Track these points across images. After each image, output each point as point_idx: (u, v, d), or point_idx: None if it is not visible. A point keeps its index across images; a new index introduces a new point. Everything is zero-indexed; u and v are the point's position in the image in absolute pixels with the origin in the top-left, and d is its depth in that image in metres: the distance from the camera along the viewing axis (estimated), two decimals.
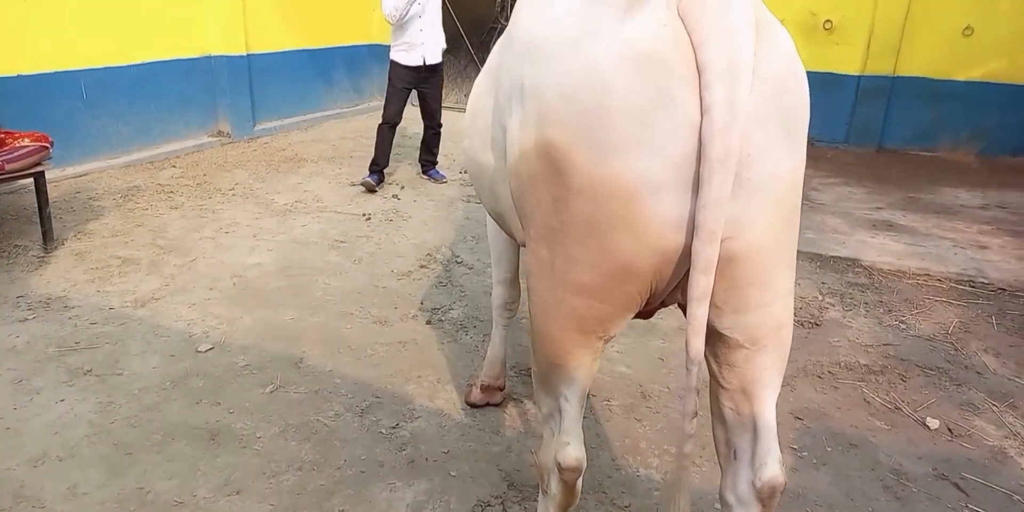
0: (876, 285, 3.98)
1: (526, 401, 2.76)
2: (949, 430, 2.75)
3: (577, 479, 1.56)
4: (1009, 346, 3.39)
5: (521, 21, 1.44)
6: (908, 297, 3.83)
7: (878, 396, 2.93)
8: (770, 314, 1.34)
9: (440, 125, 5.61)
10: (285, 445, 2.44)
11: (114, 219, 4.49)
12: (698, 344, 1.24)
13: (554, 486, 1.58)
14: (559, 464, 1.52)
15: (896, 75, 6.89)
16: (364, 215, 4.75)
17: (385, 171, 5.50)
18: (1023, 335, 3.50)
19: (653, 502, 2.27)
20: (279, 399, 2.70)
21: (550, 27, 1.31)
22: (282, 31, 7.05)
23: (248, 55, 6.58)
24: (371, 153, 5.42)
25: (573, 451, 1.51)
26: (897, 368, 3.15)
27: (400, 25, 5.15)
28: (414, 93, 5.44)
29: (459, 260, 4.07)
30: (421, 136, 5.72)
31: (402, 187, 5.45)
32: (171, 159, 5.93)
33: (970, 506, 2.35)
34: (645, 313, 1.49)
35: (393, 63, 5.34)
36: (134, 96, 5.79)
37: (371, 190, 5.23)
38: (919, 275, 4.06)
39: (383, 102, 5.48)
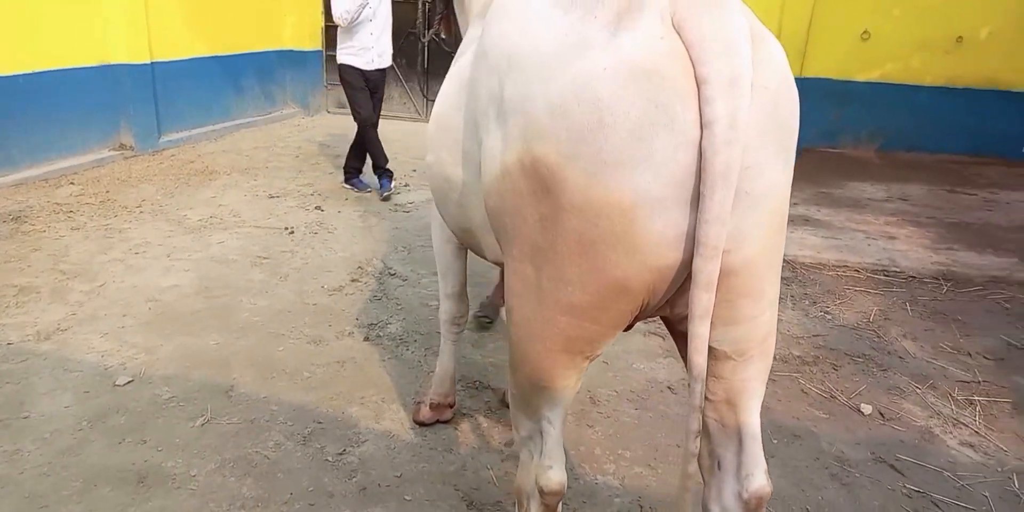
0: (799, 278, 4.12)
1: (476, 415, 2.70)
2: (881, 414, 2.86)
3: (559, 502, 1.51)
4: (924, 330, 3.57)
5: (496, 33, 1.38)
6: (830, 288, 3.99)
7: (814, 386, 3.02)
8: (759, 325, 1.33)
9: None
10: (223, 482, 2.29)
11: (6, 243, 4.13)
12: (701, 362, 1.21)
13: (535, 510, 1.52)
14: (541, 488, 1.47)
15: (802, 77, 7.21)
16: (287, 229, 4.56)
17: (311, 183, 5.32)
18: (935, 320, 3.69)
19: (615, 510, 2.24)
20: (211, 432, 2.53)
21: (532, 40, 1.25)
22: (188, 38, 6.71)
23: (152, 63, 6.23)
24: (287, 163, 5.22)
25: (556, 475, 1.46)
26: (828, 358, 3.25)
27: (349, 29, 5.05)
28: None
29: (392, 272, 3.95)
30: (351, 143, 5.53)
31: (325, 198, 5.27)
32: (68, 175, 5.53)
33: (907, 486, 2.44)
34: (627, 327, 1.46)
35: (344, 66, 5.21)
36: (24, 108, 5.36)
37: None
38: (838, 267, 4.23)
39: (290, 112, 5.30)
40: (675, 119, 1.12)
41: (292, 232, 4.52)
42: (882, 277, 4.16)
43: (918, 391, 3.02)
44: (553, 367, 1.37)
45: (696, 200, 1.14)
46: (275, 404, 2.70)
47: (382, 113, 5.62)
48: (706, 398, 1.46)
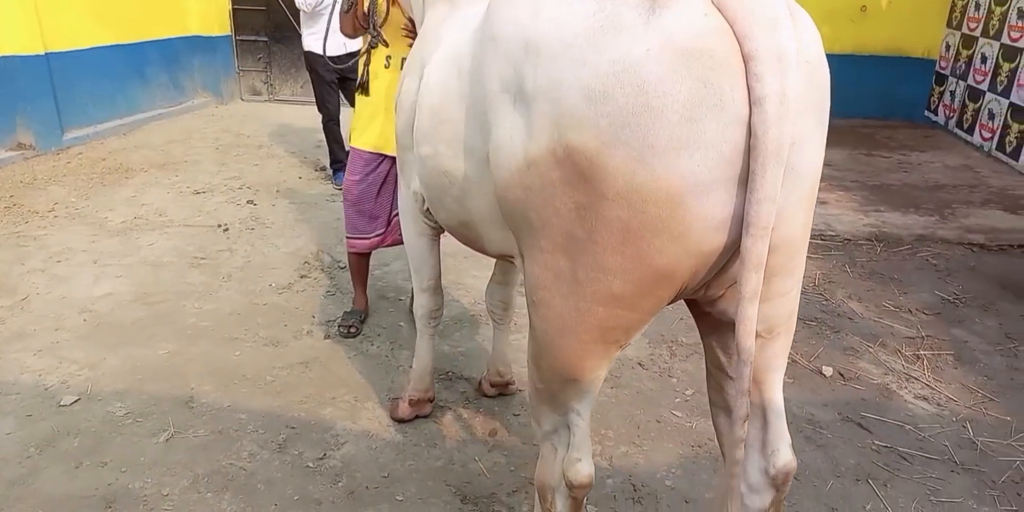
0: None
1: (455, 407, 2.65)
2: (841, 375, 2.98)
3: (586, 495, 1.48)
4: (866, 291, 3.74)
5: (505, 18, 1.29)
6: None
7: None
8: (788, 301, 1.33)
9: None
10: (200, 499, 2.16)
11: None
12: (751, 344, 1.19)
13: (561, 504, 1.50)
14: (571, 482, 1.44)
15: None
16: (220, 226, 4.33)
17: (237, 176, 5.05)
18: (875, 280, 3.87)
19: (609, 491, 2.25)
20: (178, 447, 2.39)
21: (553, 23, 1.18)
22: (86, 26, 6.23)
23: (47, 54, 5.74)
24: (207, 156, 4.94)
25: (585, 468, 1.44)
26: None
27: (314, 12, 4.76)
28: None
29: (341, 265, 3.82)
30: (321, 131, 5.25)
31: (255, 191, 5.03)
32: None
33: (876, 442, 2.55)
34: None
35: (310, 54, 4.88)
36: None
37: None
38: None
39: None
40: (724, 98, 1.08)
41: (227, 229, 4.30)
42: (820, 241, 4.32)
43: (870, 350, 3.16)
44: (586, 358, 1.34)
45: (744, 180, 1.12)
46: (242, 412, 2.57)
47: (302, 98, 5.34)
48: (729, 377, 1.46)
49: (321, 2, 4.76)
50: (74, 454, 2.34)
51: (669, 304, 1.34)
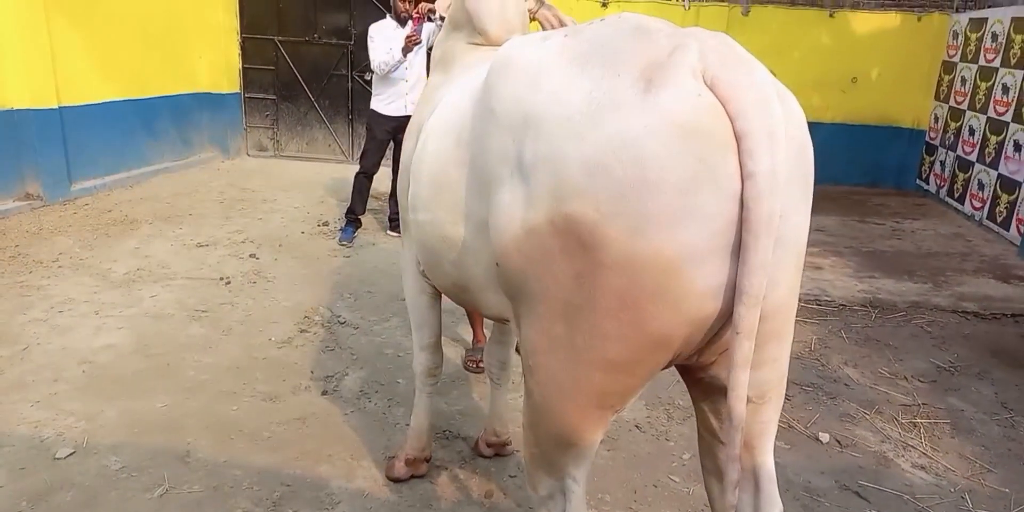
0: None
1: (451, 467, 2.63)
2: (838, 442, 2.97)
3: None
4: (862, 357, 3.77)
5: (505, 93, 1.37)
6: None
7: None
8: (779, 366, 1.37)
9: None
10: None
11: None
12: (743, 409, 1.23)
13: None
14: None
15: None
16: (222, 279, 4.37)
17: (241, 230, 5.13)
18: (870, 346, 3.90)
19: None
20: (172, 502, 2.36)
21: (552, 98, 1.26)
22: (99, 81, 6.42)
23: (60, 108, 5.90)
24: (212, 210, 5.04)
25: None
26: None
27: (387, 76, 5.06)
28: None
29: (342, 320, 3.84)
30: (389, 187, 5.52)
31: (258, 245, 5.10)
32: None
33: (873, 511, 2.54)
34: None
35: (373, 112, 5.21)
36: None
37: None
38: None
39: (207, 152, 5.26)
40: (718, 173, 1.15)
41: (228, 282, 4.34)
42: (815, 306, 4.38)
43: (867, 417, 3.17)
44: (583, 423, 1.37)
45: (736, 250, 1.17)
46: (237, 468, 2.56)
47: (307, 155, 5.51)
48: (721, 442, 1.48)
49: (396, 67, 5.00)
50: (67, 509, 2.32)
51: (663, 369, 1.38)
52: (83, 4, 6.18)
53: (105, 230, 5.29)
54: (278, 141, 8.45)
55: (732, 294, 1.20)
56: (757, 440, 1.42)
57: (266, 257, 4.85)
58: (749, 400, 1.34)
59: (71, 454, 2.60)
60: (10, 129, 5.66)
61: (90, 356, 3.34)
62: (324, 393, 3.10)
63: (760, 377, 1.34)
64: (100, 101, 6.45)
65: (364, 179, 5.32)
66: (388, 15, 5.19)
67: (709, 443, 1.54)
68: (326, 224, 5.66)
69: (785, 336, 1.36)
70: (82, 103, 6.22)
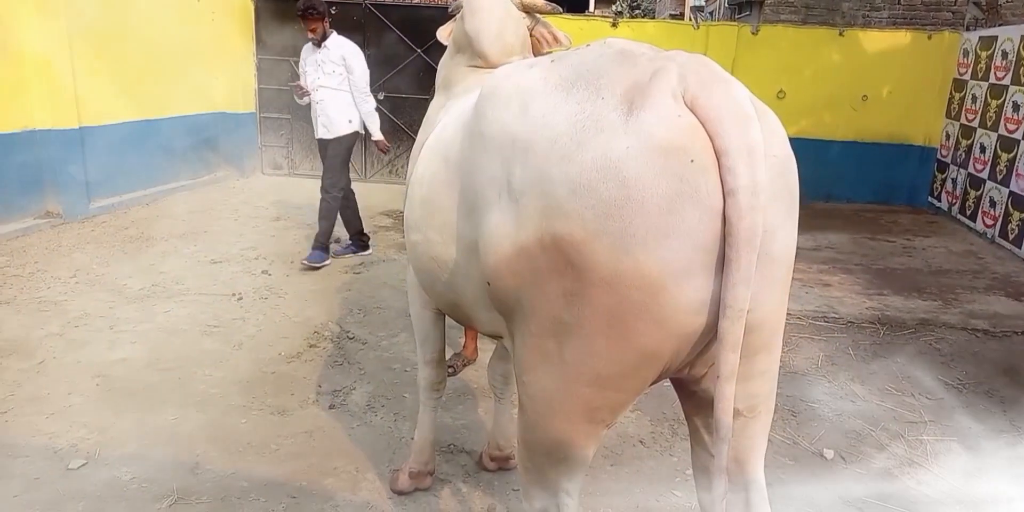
0: None
1: (455, 481, 2.66)
2: (843, 458, 2.97)
3: None
4: (869, 374, 3.76)
5: (493, 118, 1.42)
6: None
7: (777, 433, 3.11)
8: (768, 379, 1.40)
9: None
10: None
11: None
12: (729, 422, 1.25)
13: None
14: None
15: None
16: (234, 295, 4.45)
17: (254, 247, 5.26)
18: (877, 363, 3.90)
19: None
20: None
21: (538, 122, 1.30)
22: (118, 102, 6.58)
23: (80, 128, 6.06)
24: (226, 227, 5.16)
25: None
26: (786, 404, 3.37)
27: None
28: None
29: (351, 336, 3.90)
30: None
31: (271, 262, 5.18)
32: None
33: None
34: None
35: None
36: None
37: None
38: None
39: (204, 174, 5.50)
40: (699, 190, 1.19)
41: (240, 298, 4.41)
42: (823, 323, 4.37)
43: (872, 433, 3.16)
44: (574, 438, 1.40)
45: (720, 265, 1.21)
46: (245, 480, 2.60)
47: (321, 173, 5.59)
48: (712, 456, 1.50)
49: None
50: None
51: (652, 384, 1.41)
52: (104, 28, 6.36)
53: (122, 247, 5.40)
54: (292, 160, 8.58)
55: (717, 309, 1.23)
56: (747, 455, 1.45)
57: (278, 273, 4.92)
58: (739, 414, 1.37)
59: (83, 465, 2.65)
60: (32, 149, 5.81)
61: (104, 370, 3.41)
62: (331, 407, 3.15)
63: (750, 390, 1.37)
64: (119, 121, 6.61)
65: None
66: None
67: (701, 457, 1.56)
68: (337, 241, 5.74)
69: (773, 349, 1.39)
70: (102, 123, 6.37)
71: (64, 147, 5.97)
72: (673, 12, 30.14)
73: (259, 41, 8.24)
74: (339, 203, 5.29)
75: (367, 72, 5.22)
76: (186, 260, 5.15)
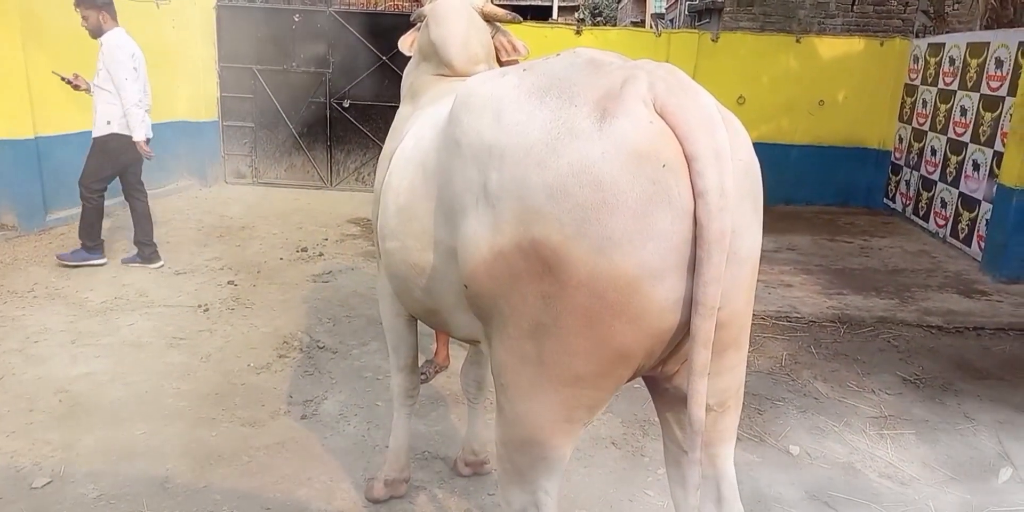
0: None
1: (430, 487, 2.67)
2: (808, 454, 3.05)
3: None
4: (831, 371, 3.86)
5: (468, 126, 1.45)
6: None
7: (744, 431, 3.18)
8: (737, 375, 1.45)
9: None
10: None
11: None
12: (702, 415, 1.30)
13: None
14: None
15: None
16: (200, 306, 4.39)
17: (219, 257, 5.19)
18: (839, 361, 4.00)
19: None
20: None
21: (514, 129, 1.34)
22: (76, 110, 6.43)
23: (36, 138, 5.92)
24: (189, 237, 5.07)
25: None
26: (752, 403, 3.45)
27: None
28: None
29: (320, 345, 3.88)
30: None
31: (236, 272, 5.12)
32: None
33: None
34: None
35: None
36: None
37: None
38: None
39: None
40: (671, 193, 1.23)
41: (207, 310, 4.36)
42: (786, 323, 4.48)
43: (835, 429, 3.25)
44: (552, 437, 1.43)
45: (692, 265, 1.25)
46: (217, 493, 2.57)
47: (286, 181, 5.49)
48: (683, 451, 1.54)
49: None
50: None
51: (627, 381, 1.45)
52: (59, 35, 6.22)
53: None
54: (256, 168, 8.49)
55: (690, 307, 1.28)
56: (718, 448, 1.50)
57: (244, 284, 4.87)
58: (710, 409, 1.42)
59: (48, 483, 2.60)
60: None
61: (66, 385, 3.34)
62: (303, 417, 3.13)
63: (720, 385, 1.43)
64: (78, 131, 6.46)
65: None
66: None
67: (674, 453, 1.61)
68: (304, 250, 5.70)
69: (742, 345, 1.45)
70: (59, 133, 6.23)
71: (18, 158, 5.83)
72: (634, 19, 30.57)
73: (221, 48, 8.15)
74: (93, 204, 5.22)
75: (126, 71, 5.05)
76: (149, 272, 5.07)
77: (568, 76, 1.36)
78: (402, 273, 1.83)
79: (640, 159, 1.23)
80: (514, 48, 2.31)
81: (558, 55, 1.46)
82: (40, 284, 4.71)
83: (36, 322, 4.07)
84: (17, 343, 3.79)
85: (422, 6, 2.36)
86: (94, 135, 5.13)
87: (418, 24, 2.35)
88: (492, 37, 2.30)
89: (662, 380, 1.50)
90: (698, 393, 1.29)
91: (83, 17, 4.96)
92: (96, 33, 5.01)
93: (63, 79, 5.07)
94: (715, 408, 1.44)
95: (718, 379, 1.40)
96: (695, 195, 1.23)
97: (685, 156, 1.24)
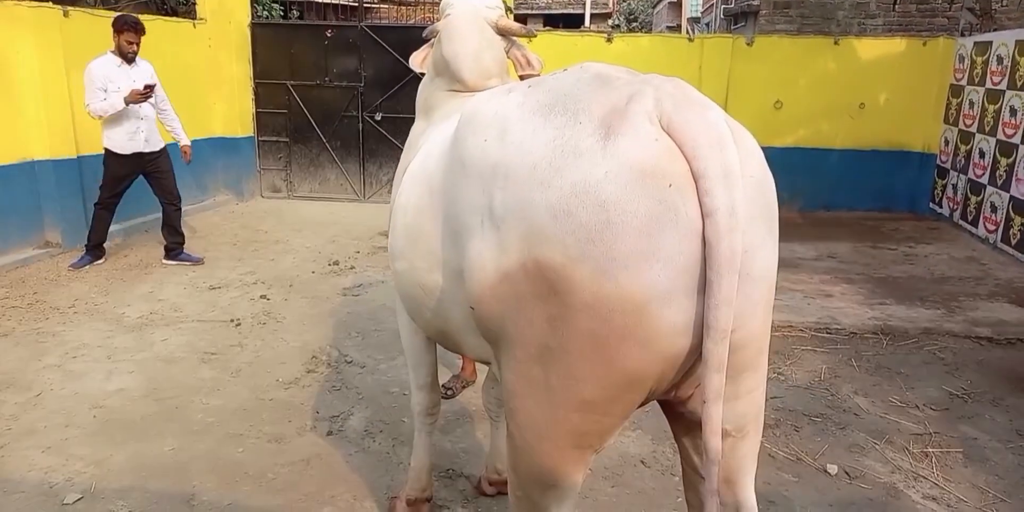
0: None
1: (453, 506, 2.63)
2: (847, 474, 2.92)
3: None
4: (872, 386, 3.71)
5: (472, 144, 1.42)
6: (778, 349, 4.11)
7: (780, 449, 3.08)
8: (755, 399, 1.39)
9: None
10: None
11: None
12: (717, 443, 1.25)
13: None
14: None
15: None
16: (232, 321, 4.44)
17: (252, 271, 5.34)
18: (881, 374, 3.85)
19: None
20: None
21: (518, 148, 1.30)
22: None
23: (79, 157, 6.10)
24: (224, 252, 5.27)
25: None
26: (788, 419, 3.33)
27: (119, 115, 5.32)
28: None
29: (349, 360, 3.88)
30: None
31: (269, 286, 5.18)
32: None
33: None
34: None
35: (109, 152, 5.47)
36: None
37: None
38: (783, 327, 4.38)
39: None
40: (679, 213, 1.18)
41: (239, 324, 4.40)
42: (825, 335, 4.34)
43: (876, 447, 3.12)
44: (563, 464, 1.38)
45: (702, 286, 1.20)
46: (242, 510, 2.57)
47: (320, 194, 5.72)
48: (702, 477, 1.48)
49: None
50: None
51: (640, 406, 1.39)
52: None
53: (120, 275, 5.41)
54: (291, 182, 8.61)
55: (701, 330, 1.22)
56: (737, 475, 1.43)
57: (276, 298, 4.91)
58: (728, 434, 1.36)
59: (79, 499, 2.63)
60: (31, 180, 5.85)
61: (101, 401, 3.39)
62: (329, 433, 3.12)
63: (738, 410, 1.36)
64: None
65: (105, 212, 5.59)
66: (110, 52, 5.30)
67: (692, 479, 1.55)
68: (336, 263, 5.74)
69: (759, 368, 1.38)
70: (101, 153, 6.40)
71: (62, 177, 6.00)
72: (670, 24, 30.38)
73: (256, 65, 8.30)
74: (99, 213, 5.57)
75: None
76: (184, 287, 5.15)
77: (573, 92, 1.32)
78: (412, 293, 1.81)
79: (645, 178, 1.19)
80: (528, 62, 2.28)
81: (565, 70, 1.43)
82: (80, 300, 4.82)
83: (75, 338, 4.16)
84: (57, 359, 3.88)
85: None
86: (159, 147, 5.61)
87: (431, 40, 2.34)
88: (507, 51, 2.27)
89: (676, 404, 1.44)
90: (713, 420, 1.23)
91: (136, 43, 5.26)
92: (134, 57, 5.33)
93: (143, 95, 5.29)
94: (733, 434, 1.38)
95: (735, 404, 1.34)
96: (703, 215, 1.18)
97: (692, 174, 1.19)
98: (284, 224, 7.23)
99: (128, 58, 5.29)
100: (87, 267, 5.52)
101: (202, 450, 2.98)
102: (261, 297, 4.91)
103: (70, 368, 3.75)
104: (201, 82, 7.73)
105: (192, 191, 7.74)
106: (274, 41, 8.23)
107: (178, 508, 2.59)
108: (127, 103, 5.20)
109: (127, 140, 5.39)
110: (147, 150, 5.52)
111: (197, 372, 3.73)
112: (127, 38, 5.22)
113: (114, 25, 5.27)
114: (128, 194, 6.72)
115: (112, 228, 6.47)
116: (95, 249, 5.63)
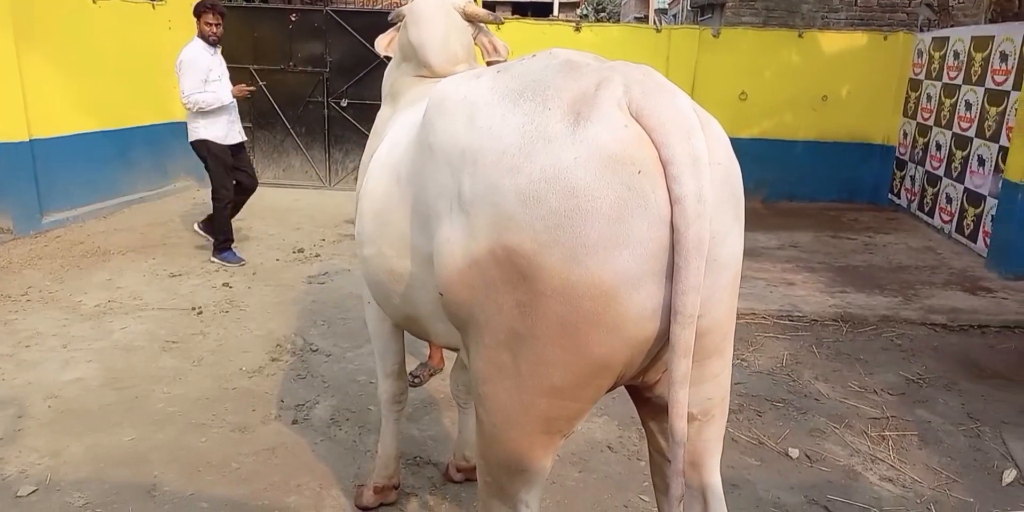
0: None
1: (421, 494, 2.62)
2: (808, 457, 2.99)
3: None
4: (832, 372, 3.80)
5: (441, 129, 1.41)
6: (742, 336, 4.18)
7: (742, 433, 3.13)
8: (721, 383, 1.40)
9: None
10: None
11: None
12: (683, 426, 1.26)
13: None
14: None
15: None
16: (194, 309, 4.35)
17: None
18: (840, 360, 3.94)
19: None
20: None
21: (487, 133, 1.29)
22: (72, 113, 6.42)
23: (31, 141, 5.89)
24: (185, 239, 5.25)
25: None
26: (751, 404, 3.39)
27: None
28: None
29: (314, 348, 3.83)
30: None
31: (231, 274, 5.08)
32: None
33: None
34: None
35: (211, 142, 5.24)
36: None
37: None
38: (746, 314, 4.44)
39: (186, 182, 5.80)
40: (647, 199, 1.18)
41: (200, 312, 4.32)
42: (787, 322, 4.41)
43: (836, 431, 3.19)
44: (532, 449, 1.38)
45: (670, 272, 1.20)
46: (204, 500, 2.53)
47: (284, 181, 5.60)
48: (668, 462, 1.49)
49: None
50: None
51: (608, 391, 1.39)
52: (55, 37, 6.20)
53: (76, 262, 5.25)
54: (254, 168, 8.44)
55: (669, 315, 1.23)
56: (703, 458, 1.44)
57: (239, 286, 4.83)
58: (693, 418, 1.37)
59: (33, 491, 2.56)
60: None
61: (57, 391, 3.30)
62: (294, 422, 3.08)
63: (703, 394, 1.38)
64: (73, 133, 6.44)
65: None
66: (196, 37, 5.19)
67: (659, 462, 1.56)
68: (301, 251, 5.66)
69: (725, 352, 1.40)
70: (54, 135, 6.21)
71: (13, 161, 5.81)
72: (638, 15, 30.45)
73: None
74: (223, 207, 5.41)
75: None
76: (144, 274, 5.03)
77: (543, 78, 1.31)
78: (380, 280, 1.79)
79: (614, 164, 1.18)
80: (495, 49, 2.26)
81: (534, 56, 1.42)
82: (34, 288, 4.68)
83: (28, 326, 4.04)
84: (8, 348, 3.76)
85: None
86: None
87: (397, 24, 2.30)
88: (474, 37, 2.25)
89: (643, 389, 1.45)
90: (679, 403, 1.24)
91: (218, 25, 5.15)
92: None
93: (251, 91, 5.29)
94: (699, 417, 1.39)
95: (701, 387, 1.36)
96: (672, 201, 1.18)
97: (661, 161, 1.19)
98: (248, 211, 7.02)
99: (211, 42, 5.13)
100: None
101: (163, 440, 2.92)
102: (224, 285, 4.82)
103: (23, 357, 3.65)
104: (161, 65, 7.50)
105: (152, 177, 7.56)
106: (237, 24, 7.99)
107: (138, 499, 2.54)
108: (234, 97, 5.09)
109: (227, 131, 5.24)
110: (241, 140, 5.40)
111: (158, 361, 3.65)
112: (207, 20, 5.07)
113: (194, 10, 5.11)
114: (79, 181, 6.55)
115: (66, 215, 6.32)
116: (227, 241, 5.40)
